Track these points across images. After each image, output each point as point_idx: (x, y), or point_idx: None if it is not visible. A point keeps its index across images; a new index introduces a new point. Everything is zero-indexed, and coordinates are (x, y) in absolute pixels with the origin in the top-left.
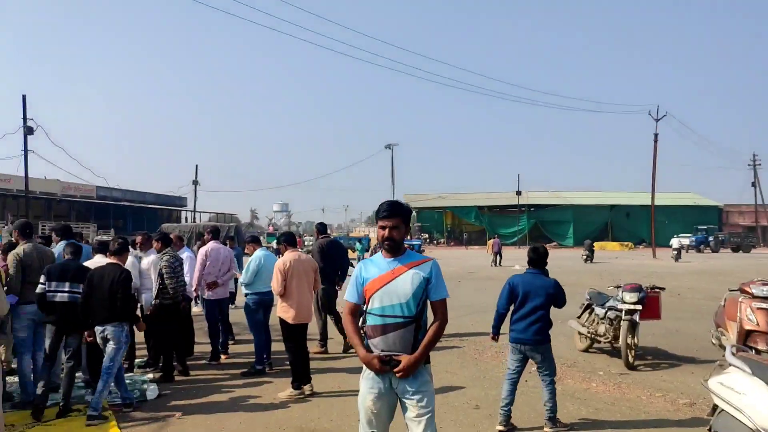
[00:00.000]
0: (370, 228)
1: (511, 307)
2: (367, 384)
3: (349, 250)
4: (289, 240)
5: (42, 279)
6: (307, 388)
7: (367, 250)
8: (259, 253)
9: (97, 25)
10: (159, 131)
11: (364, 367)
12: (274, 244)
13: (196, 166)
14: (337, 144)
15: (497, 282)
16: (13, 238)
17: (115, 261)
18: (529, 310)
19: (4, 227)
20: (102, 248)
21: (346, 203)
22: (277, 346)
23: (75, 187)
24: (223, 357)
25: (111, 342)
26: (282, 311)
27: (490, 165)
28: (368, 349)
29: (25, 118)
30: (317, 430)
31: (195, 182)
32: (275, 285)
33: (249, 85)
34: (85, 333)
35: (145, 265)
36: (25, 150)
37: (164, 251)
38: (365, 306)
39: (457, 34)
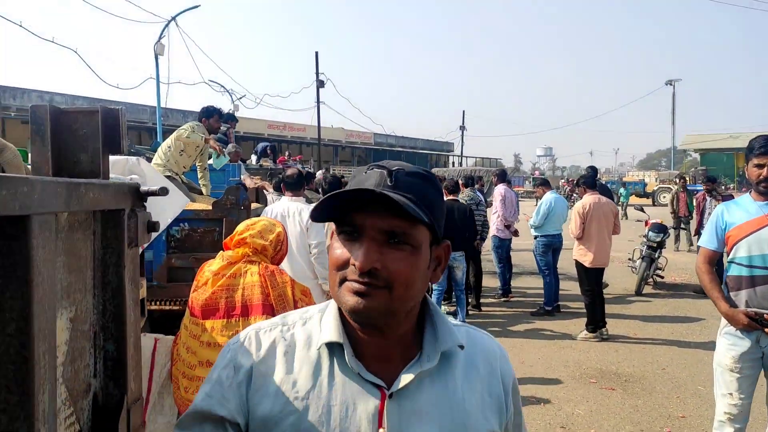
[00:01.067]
0: (644, 171)
1: None
2: (727, 341)
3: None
4: (588, 183)
5: None
6: (602, 331)
7: (633, 195)
8: (549, 196)
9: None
10: (430, 80)
11: (722, 320)
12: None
13: (463, 111)
14: (608, 83)
15: None
16: None
17: (452, 197)
18: None
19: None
20: None
21: (616, 146)
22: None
23: (356, 134)
24: (508, 295)
25: (456, 269)
26: (579, 254)
27: None
28: (730, 303)
29: (317, 73)
30: (620, 374)
31: (462, 128)
32: (573, 228)
33: (512, 28)
34: None
35: None
36: (318, 102)
37: (463, 192)
38: (727, 255)
39: None
